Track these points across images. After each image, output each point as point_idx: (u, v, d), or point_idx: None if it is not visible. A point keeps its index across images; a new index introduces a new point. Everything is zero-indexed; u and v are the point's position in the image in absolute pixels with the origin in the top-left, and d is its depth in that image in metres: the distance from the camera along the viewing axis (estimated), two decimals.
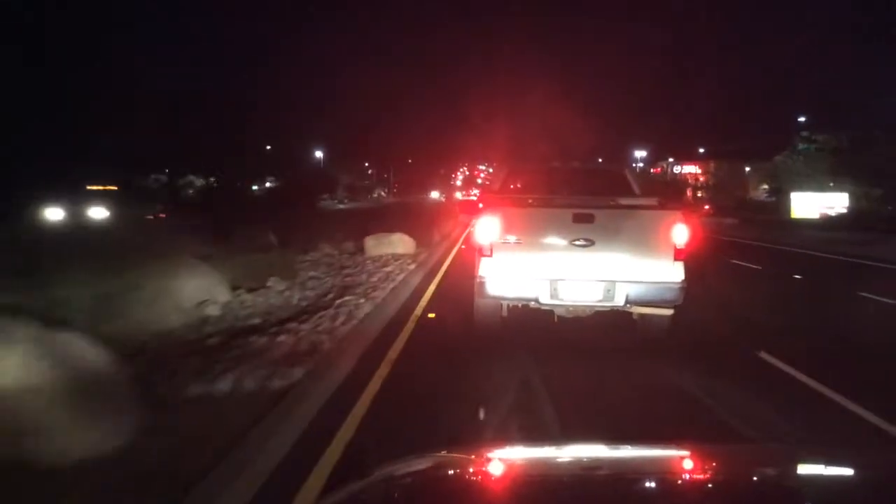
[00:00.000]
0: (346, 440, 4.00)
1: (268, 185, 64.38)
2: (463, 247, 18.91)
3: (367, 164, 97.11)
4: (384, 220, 21.83)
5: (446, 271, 13.33)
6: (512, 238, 6.17)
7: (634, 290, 6.07)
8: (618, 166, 22.52)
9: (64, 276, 6.64)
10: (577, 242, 6.06)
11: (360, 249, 15.58)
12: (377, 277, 11.10)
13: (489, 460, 1.83)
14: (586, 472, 1.75)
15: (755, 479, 1.75)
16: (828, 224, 34.07)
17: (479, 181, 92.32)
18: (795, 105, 58.10)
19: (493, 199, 7.02)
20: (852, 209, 38.37)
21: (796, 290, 12.29)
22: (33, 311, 4.41)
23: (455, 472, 1.77)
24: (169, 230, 10.46)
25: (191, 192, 47.90)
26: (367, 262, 13.68)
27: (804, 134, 45.15)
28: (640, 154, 75.48)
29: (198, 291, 8.04)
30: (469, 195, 60.96)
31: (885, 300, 10.28)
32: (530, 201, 6.80)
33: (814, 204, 40.29)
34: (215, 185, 46.29)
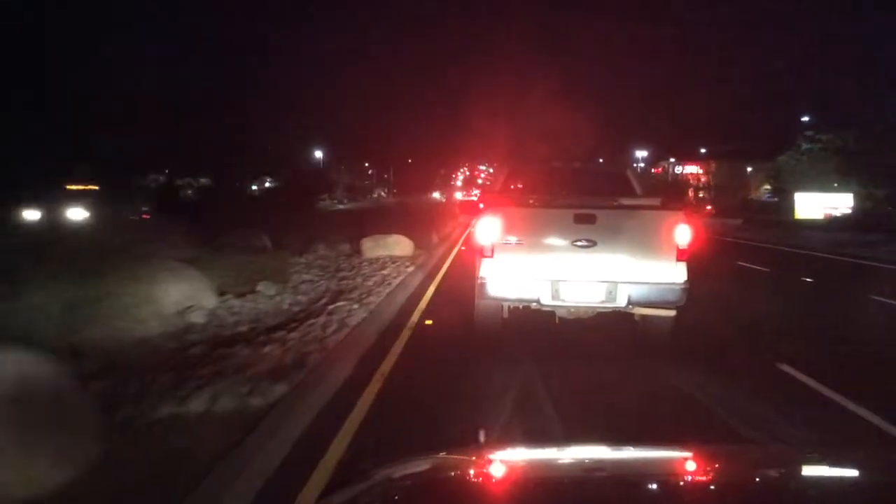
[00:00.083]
0: (330, 468, 3.57)
1: (267, 185, 64.12)
2: (463, 248, 18.51)
3: (367, 165, 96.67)
4: (383, 220, 21.39)
5: (445, 274, 12.90)
6: (513, 239, 6.09)
7: (636, 291, 6.00)
8: (619, 166, 22.23)
9: (33, 282, 6.20)
10: (579, 243, 5.98)
11: (357, 251, 15.16)
12: (373, 281, 10.67)
13: (489, 462, 1.81)
14: (588, 474, 1.74)
15: (758, 480, 1.73)
16: (833, 225, 33.59)
17: (480, 181, 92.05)
18: (797, 105, 57.71)
19: (494, 199, 6.85)
20: (857, 210, 37.93)
21: (808, 295, 11.83)
22: None
23: (455, 474, 1.74)
24: (154, 231, 10.00)
25: (189, 192, 47.63)
26: (364, 264, 13.24)
27: (808, 133, 44.67)
28: (641, 154, 75.13)
29: (182, 297, 7.59)
30: (469, 195, 60.63)
31: None
32: (531, 202, 6.68)
33: (818, 204, 39.83)
34: (212, 185, 45.99)
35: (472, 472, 1.74)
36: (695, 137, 71.13)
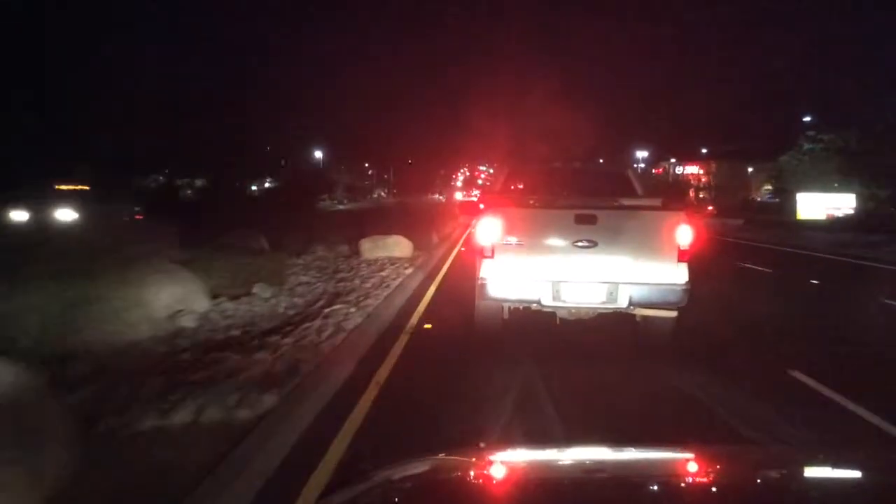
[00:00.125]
0: (320, 486, 3.35)
1: (267, 185, 63.94)
2: (463, 249, 18.31)
3: (367, 165, 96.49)
4: (383, 221, 21.18)
5: (445, 276, 12.68)
6: (513, 239, 6.06)
7: (638, 292, 5.97)
8: (620, 166, 22.10)
9: (18, 285, 5.99)
10: (580, 244, 5.95)
11: (356, 252, 14.95)
12: (371, 283, 10.45)
13: (490, 463, 1.80)
14: (588, 475, 1.72)
15: (759, 481, 1.72)
16: (835, 225, 33.36)
17: (480, 182, 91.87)
18: (797, 105, 57.52)
19: (495, 199, 6.81)
20: (859, 210, 37.70)
21: (816, 297, 11.60)
22: None
23: (455, 476, 1.72)
24: (147, 233, 9.77)
25: (189, 192, 47.44)
26: (362, 265, 13.03)
27: (810, 133, 44.44)
28: (641, 154, 74.93)
29: (173, 300, 7.37)
30: (469, 196, 60.46)
31: None
32: (532, 202, 6.66)
33: (820, 205, 39.60)
34: (210, 185, 45.77)
35: (472, 473, 1.73)
36: (695, 137, 71.06)
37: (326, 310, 7.98)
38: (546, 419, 4.55)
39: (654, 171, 76.47)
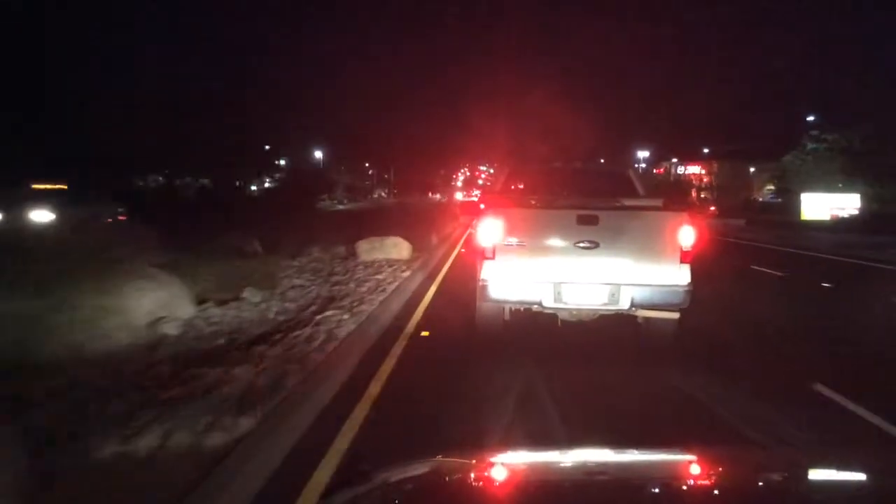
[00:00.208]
0: None
1: (266, 185, 63.62)
2: (463, 250, 17.91)
3: (367, 165, 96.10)
4: (382, 221, 20.82)
5: (444, 278, 12.26)
6: (514, 240, 6.01)
7: (640, 294, 5.91)
8: (621, 166, 21.85)
9: None
10: (581, 244, 5.90)
11: (353, 254, 14.53)
12: (367, 287, 10.03)
13: (490, 465, 1.81)
14: (589, 477, 1.71)
15: (761, 483, 1.72)
16: (840, 226, 32.97)
17: (480, 182, 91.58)
18: (798, 105, 57.20)
19: (496, 200, 6.73)
20: (864, 210, 37.29)
21: (830, 302, 11.08)
22: None
23: (456, 478, 1.71)
24: (130, 234, 9.35)
25: (189, 192, 47.08)
26: (359, 268, 12.60)
27: (813, 133, 44.01)
28: (642, 154, 74.60)
29: (156, 306, 6.96)
30: (470, 196, 60.19)
31: None
32: (533, 202, 6.58)
33: (824, 205, 39.17)
34: (209, 185, 45.47)
35: (472, 475, 1.72)
36: (696, 137, 70.89)
37: (318, 316, 7.57)
38: (547, 420, 4.43)
39: (655, 170, 76.14)
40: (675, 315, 6.15)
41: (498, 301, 6.23)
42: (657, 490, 1.65)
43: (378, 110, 77.03)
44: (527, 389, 5.25)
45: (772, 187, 56.04)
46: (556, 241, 6.03)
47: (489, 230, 6.05)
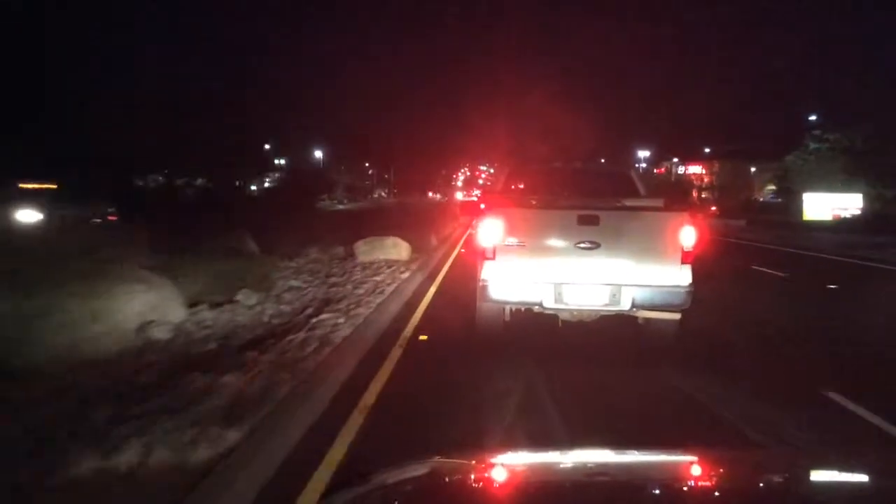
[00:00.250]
0: None
1: (266, 184, 63.43)
2: (463, 251, 17.73)
3: (367, 165, 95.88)
4: (381, 221, 20.62)
5: (443, 280, 12.06)
6: (515, 240, 5.98)
7: (641, 294, 5.88)
8: (622, 166, 21.76)
9: None
10: (582, 245, 5.88)
11: (352, 254, 14.34)
12: (364, 289, 9.83)
13: (491, 466, 1.81)
14: (590, 478, 1.70)
15: (762, 484, 1.71)
16: (842, 226, 32.72)
17: (480, 182, 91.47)
18: (798, 105, 57.03)
19: (497, 200, 6.67)
20: (866, 211, 37.05)
21: (836, 304, 10.83)
22: None
23: (456, 478, 1.70)
24: (120, 235, 9.14)
25: (189, 192, 46.87)
26: (357, 269, 12.40)
27: (815, 133, 43.75)
28: (643, 154, 74.44)
29: (146, 309, 6.74)
30: (470, 196, 60.07)
31: None
32: (534, 202, 6.56)
33: (826, 205, 38.92)
34: (208, 185, 45.26)
35: (472, 476, 1.72)
36: (696, 137, 70.86)
37: (314, 319, 7.37)
38: (552, 432, 4.33)
39: (655, 170, 75.97)
40: (677, 316, 6.12)
41: (498, 301, 6.20)
42: (658, 491, 1.64)
43: (378, 110, 76.90)
44: (527, 392, 5.17)
45: (772, 187, 55.80)
46: (556, 242, 6.00)
47: (490, 230, 6.02)
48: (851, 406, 4.93)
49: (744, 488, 1.65)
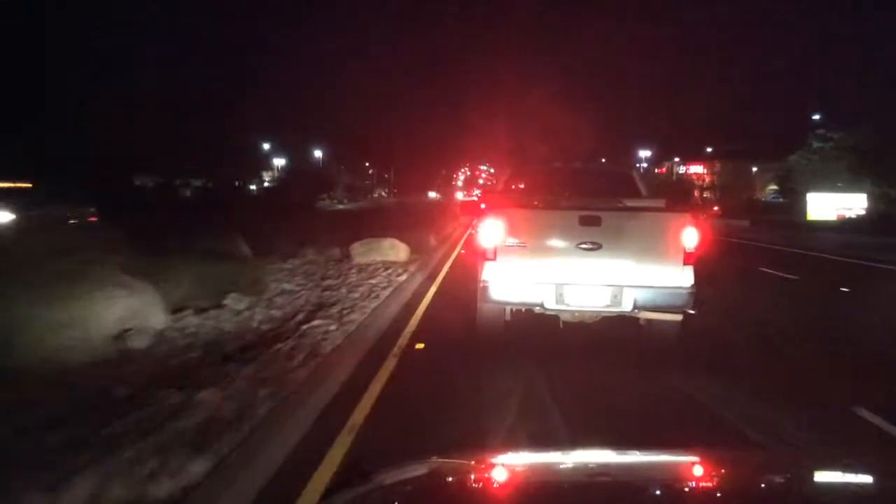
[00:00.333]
0: None
1: (266, 184, 63.14)
2: (462, 251, 17.32)
3: (367, 164, 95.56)
4: (381, 221, 20.25)
5: (442, 282, 11.65)
6: (516, 241, 5.95)
7: (643, 295, 5.85)
8: (624, 166, 21.52)
9: None
10: (584, 246, 5.84)
11: (349, 255, 13.93)
12: (359, 292, 9.42)
13: (492, 466, 1.81)
14: (591, 479, 1.69)
15: (763, 485, 1.71)
16: (847, 226, 32.26)
17: (481, 181, 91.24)
18: (799, 105, 56.69)
19: (497, 200, 6.67)
20: (871, 211, 36.61)
21: (854, 309, 10.33)
22: None
23: (456, 479, 1.70)
24: (101, 236, 8.72)
25: (188, 192, 46.60)
26: (353, 271, 11.99)
27: (819, 132, 43.30)
28: (644, 154, 74.13)
29: (125, 314, 6.34)
30: (470, 195, 59.83)
31: None
32: (535, 203, 6.54)
33: (830, 205, 38.47)
34: (206, 185, 44.97)
35: (473, 476, 1.72)
36: (697, 137, 70.55)
37: (304, 326, 6.96)
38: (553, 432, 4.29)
39: (657, 170, 75.65)
40: (678, 317, 6.08)
41: (499, 302, 6.18)
42: (659, 492, 1.63)
43: (378, 110, 76.67)
44: (527, 392, 5.10)
45: (774, 187, 55.39)
46: (558, 242, 5.98)
47: (490, 231, 5.99)
48: (885, 426, 4.52)
49: (745, 489, 1.64)
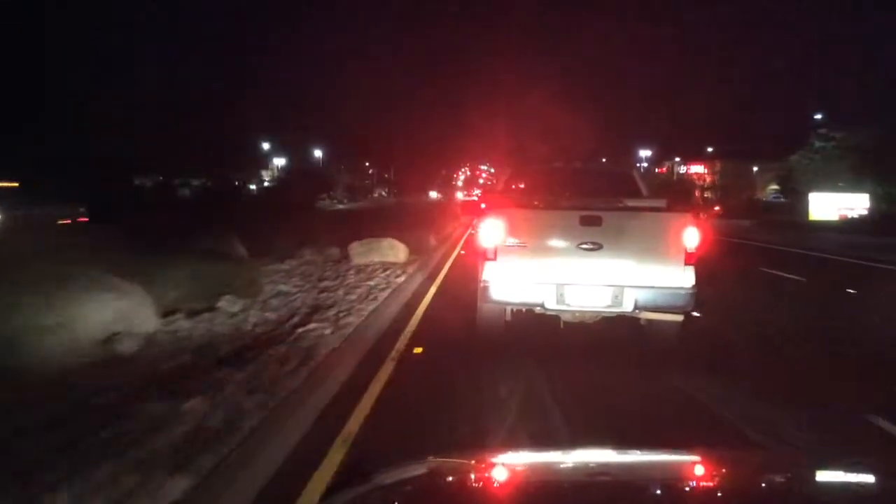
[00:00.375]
0: None
1: (266, 184, 62.96)
2: (462, 252, 17.13)
3: (367, 164, 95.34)
4: (380, 220, 20.06)
5: (442, 283, 11.45)
6: (516, 241, 5.94)
7: (643, 296, 5.84)
8: (624, 166, 21.41)
9: None
10: (584, 246, 5.83)
11: (347, 256, 13.74)
12: (357, 294, 9.22)
13: (492, 466, 1.81)
14: (591, 478, 1.68)
15: (763, 485, 1.70)
16: (849, 226, 32.06)
17: (481, 181, 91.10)
18: (800, 105, 56.52)
19: (498, 200, 6.64)
20: (873, 211, 36.39)
21: (854, 310, 10.16)
22: None
23: (457, 479, 1.69)
24: (91, 237, 8.52)
25: (187, 192, 46.43)
26: (351, 272, 11.79)
27: (821, 131, 43.08)
28: (644, 154, 73.98)
29: (114, 317, 6.15)
30: (470, 195, 59.70)
31: None
32: (536, 203, 6.50)
33: (832, 205, 38.24)
34: (203, 185, 44.79)
35: (473, 476, 1.71)
36: (697, 137, 70.47)
37: (299, 330, 6.76)
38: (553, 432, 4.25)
39: (657, 170, 75.50)
40: (679, 317, 6.07)
41: (499, 302, 6.17)
42: (659, 491, 1.63)
43: (378, 110, 76.52)
44: (528, 393, 5.06)
45: (775, 187, 55.19)
46: (558, 242, 5.98)
47: (491, 231, 5.97)
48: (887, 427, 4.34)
49: (745, 488, 1.64)
